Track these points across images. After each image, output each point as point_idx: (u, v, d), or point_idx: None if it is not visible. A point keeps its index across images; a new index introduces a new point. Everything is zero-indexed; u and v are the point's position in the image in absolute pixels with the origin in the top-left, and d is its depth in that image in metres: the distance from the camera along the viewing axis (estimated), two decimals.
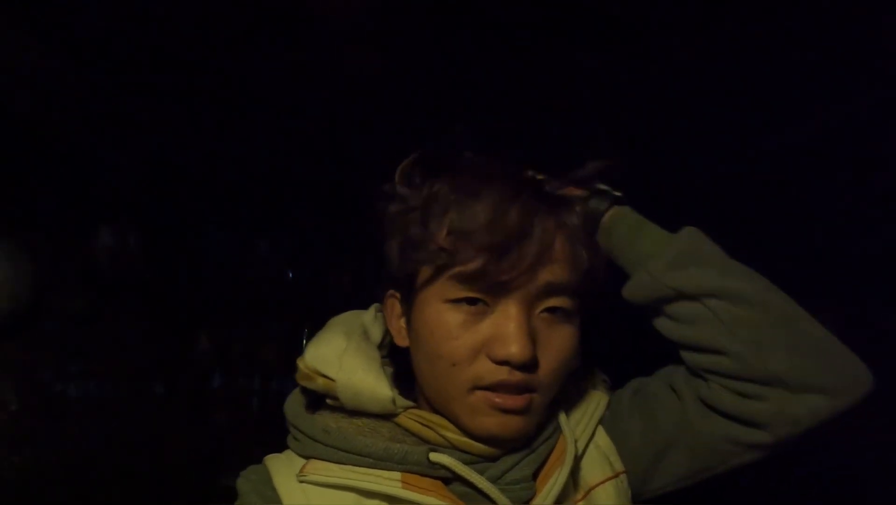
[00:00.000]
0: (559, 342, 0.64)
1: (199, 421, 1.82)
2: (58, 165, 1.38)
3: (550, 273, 0.63)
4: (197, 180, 1.70)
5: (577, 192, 0.71)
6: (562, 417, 0.70)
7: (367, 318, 0.75)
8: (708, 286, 0.65)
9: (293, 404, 0.72)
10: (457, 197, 0.63)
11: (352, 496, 0.63)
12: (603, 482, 0.69)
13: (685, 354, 0.69)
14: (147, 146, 1.47)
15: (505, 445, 0.65)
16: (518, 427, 0.64)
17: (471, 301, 0.62)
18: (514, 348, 0.60)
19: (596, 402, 0.74)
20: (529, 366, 0.62)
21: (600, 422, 0.73)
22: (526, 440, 0.67)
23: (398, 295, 0.70)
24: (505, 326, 0.62)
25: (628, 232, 0.71)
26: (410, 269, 0.66)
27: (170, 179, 1.66)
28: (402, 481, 0.63)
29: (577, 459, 0.69)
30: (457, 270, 0.62)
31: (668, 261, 0.67)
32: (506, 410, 0.63)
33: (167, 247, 1.77)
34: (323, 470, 0.64)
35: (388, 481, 0.63)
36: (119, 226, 1.60)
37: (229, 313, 1.99)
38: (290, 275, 2.41)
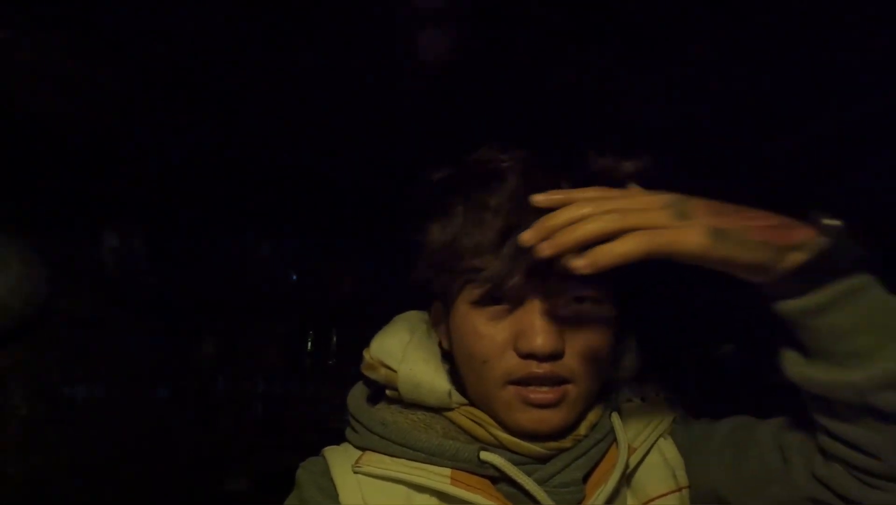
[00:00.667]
0: (589, 331, 0.65)
1: (204, 424, 1.82)
2: (67, 168, 1.38)
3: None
4: (200, 183, 1.70)
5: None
6: (616, 422, 0.70)
7: (429, 317, 0.78)
8: None
9: (355, 397, 0.74)
10: (465, 210, 0.65)
11: (403, 489, 0.64)
12: (665, 494, 0.68)
13: (826, 439, 0.59)
14: (153, 149, 1.47)
15: (546, 440, 0.66)
16: (553, 421, 0.64)
17: (495, 300, 0.64)
18: (539, 340, 0.61)
19: (661, 415, 0.73)
20: (558, 357, 0.63)
21: (670, 435, 0.72)
22: (575, 441, 0.67)
23: (439, 303, 0.73)
24: (528, 319, 0.63)
25: (869, 314, 0.54)
26: (440, 286, 0.69)
27: (174, 183, 1.67)
28: (452, 478, 0.64)
29: (634, 468, 0.69)
30: (476, 277, 0.64)
31: (885, 377, 0.54)
32: (539, 406, 0.63)
33: (171, 250, 1.78)
34: (377, 462, 0.66)
35: (438, 477, 0.64)
36: (125, 229, 1.61)
37: (233, 316, 2.00)
38: (294, 277, 2.42)
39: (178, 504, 1.63)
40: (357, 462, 0.66)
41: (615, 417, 0.70)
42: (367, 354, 0.72)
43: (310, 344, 2.26)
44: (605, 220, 0.54)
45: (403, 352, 0.70)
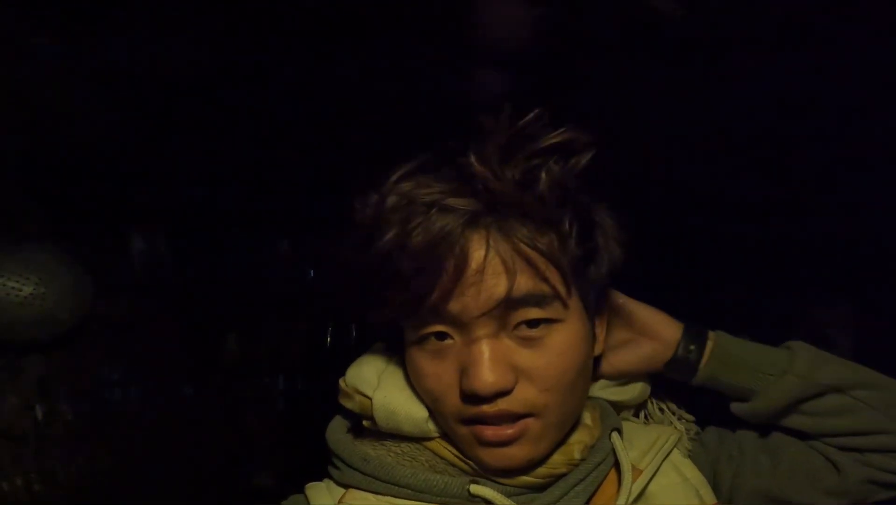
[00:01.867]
0: (547, 355, 0.58)
1: (230, 421, 1.86)
2: (97, 177, 1.41)
3: (501, 286, 0.56)
4: (219, 186, 1.73)
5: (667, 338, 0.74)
6: (617, 443, 0.66)
7: None
8: (851, 378, 0.70)
9: (334, 431, 0.70)
10: (373, 241, 0.59)
11: None
12: None
13: (834, 440, 0.71)
14: (174, 156, 1.50)
15: (518, 474, 0.62)
16: (518, 457, 0.60)
17: (438, 336, 0.59)
18: (480, 380, 0.56)
19: (667, 434, 0.71)
20: (506, 393, 0.58)
21: (688, 455, 0.72)
22: (570, 465, 0.63)
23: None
24: (471, 355, 0.57)
25: (744, 351, 0.73)
26: (379, 322, 0.64)
27: (195, 186, 1.69)
28: None
29: (642, 491, 0.65)
30: (403, 312, 0.60)
31: (809, 362, 0.71)
32: (496, 444, 0.59)
33: (194, 251, 1.80)
34: (361, 500, 0.63)
35: None
36: (150, 232, 1.64)
37: (254, 314, 2.02)
38: (312, 273, 2.44)
39: (209, 501, 1.66)
40: (340, 501, 0.63)
41: (615, 438, 0.66)
42: (342, 383, 0.68)
43: (329, 338, 2.28)
44: None
45: (378, 378, 0.65)
